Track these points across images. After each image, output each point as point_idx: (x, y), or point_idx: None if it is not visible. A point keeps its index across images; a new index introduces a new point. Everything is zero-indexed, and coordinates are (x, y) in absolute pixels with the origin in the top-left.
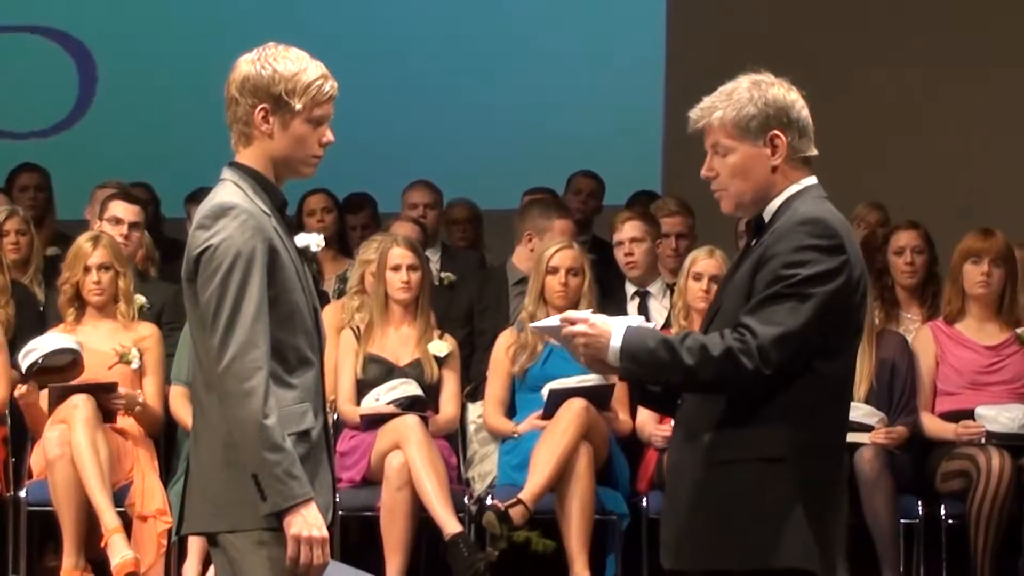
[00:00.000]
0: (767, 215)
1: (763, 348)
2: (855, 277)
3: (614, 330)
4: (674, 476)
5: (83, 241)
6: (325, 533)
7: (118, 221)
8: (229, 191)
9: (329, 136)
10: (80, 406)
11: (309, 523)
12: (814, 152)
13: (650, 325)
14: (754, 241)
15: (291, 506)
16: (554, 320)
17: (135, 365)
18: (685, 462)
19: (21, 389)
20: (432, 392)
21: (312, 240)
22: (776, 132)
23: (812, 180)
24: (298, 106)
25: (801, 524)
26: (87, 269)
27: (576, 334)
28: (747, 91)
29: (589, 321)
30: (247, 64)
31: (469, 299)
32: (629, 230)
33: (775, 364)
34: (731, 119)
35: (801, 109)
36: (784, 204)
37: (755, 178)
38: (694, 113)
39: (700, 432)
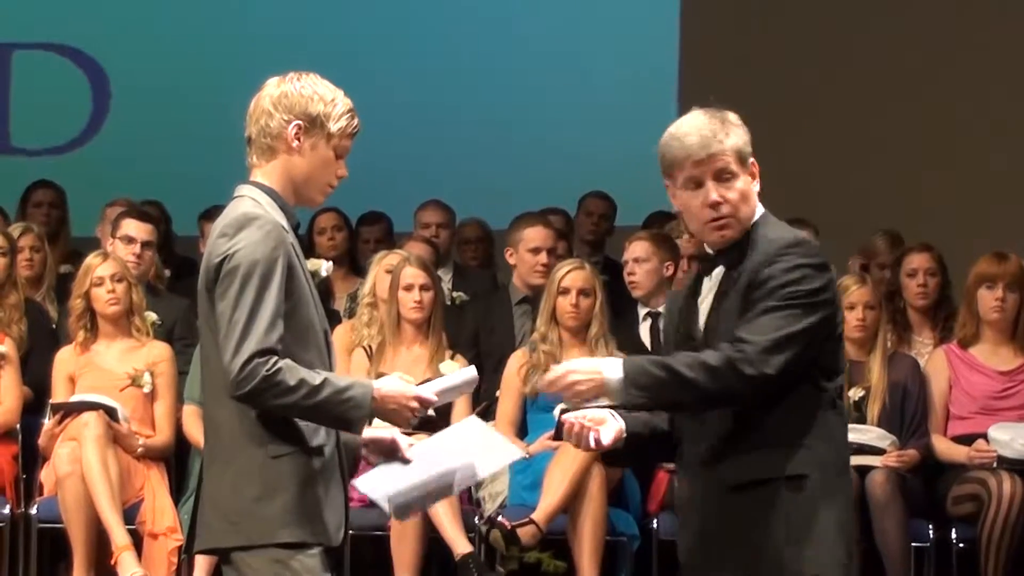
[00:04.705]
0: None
1: (760, 353)
2: (834, 294)
3: (605, 365)
4: (693, 503)
5: (91, 258)
6: (408, 391)
7: (131, 240)
8: (250, 205)
9: (344, 171)
10: (91, 424)
11: (390, 398)
12: None
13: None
14: (714, 270)
15: (367, 409)
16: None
17: (147, 389)
18: (706, 488)
19: (54, 430)
20: (443, 412)
21: (322, 265)
22: (752, 160)
23: (761, 207)
24: (334, 128)
25: (831, 538)
26: (99, 282)
27: (570, 383)
28: (735, 121)
29: (571, 368)
30: (285, 83)
31: (475, 321)
32: (633, 250)
33: (776, 366)
34: (734, 146)
35: None
36: (752, 229)
37: (751, 204)
38: (699, 139)
39: (719, 456)
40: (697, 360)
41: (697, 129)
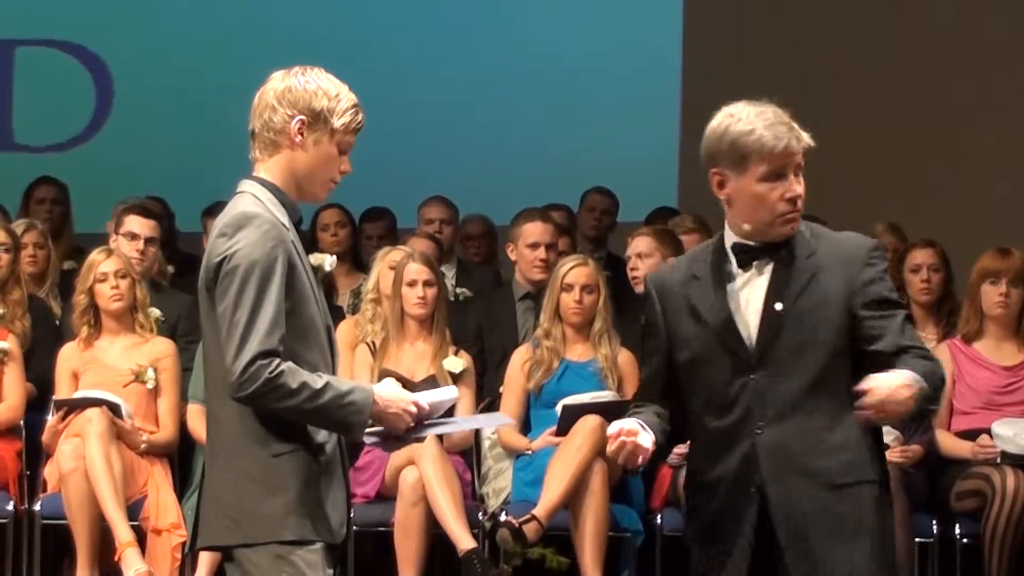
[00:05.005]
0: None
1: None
2: None
3: (909, 377)
4: (788, 507)
5: (95, 254)
6: (406, 397)
7: (134, 236)
8: (249, 202)
9: (348, 166)
10: (94, 420)
11: (391, 403)
12: None
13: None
14: (753, 263)
15: (367, 414)
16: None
17: (150, 385)
18: (799, 487)
19: (58, 426)
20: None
21: (326, 260)
22: None
23: None
24: (337, 124)
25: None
26: (103, 278)
27: (906, 397)
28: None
29: (895, 384)
30: (290, 77)
31: (478, 317)
32: (636, 245)
33: None
34: (807, 141)
35: None
36: None
37: None
38: (790, 131)
39: (809, 460)
40: (930, 370)
41: (779, 121)
